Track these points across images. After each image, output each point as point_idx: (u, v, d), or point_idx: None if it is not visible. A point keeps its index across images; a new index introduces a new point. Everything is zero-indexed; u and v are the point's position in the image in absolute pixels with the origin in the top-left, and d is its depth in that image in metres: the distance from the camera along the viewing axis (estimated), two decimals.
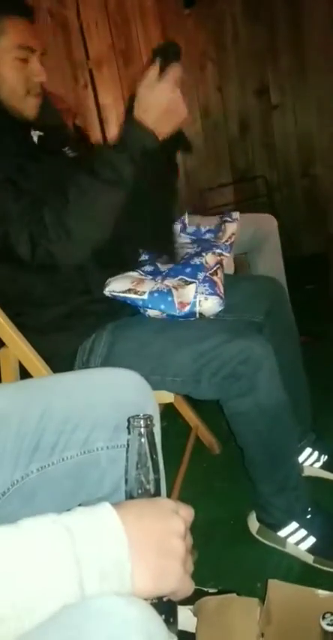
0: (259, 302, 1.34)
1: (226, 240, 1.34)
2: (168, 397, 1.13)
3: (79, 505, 0.78)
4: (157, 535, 0.48)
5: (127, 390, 0.82)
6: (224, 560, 1.24)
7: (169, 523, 0.49)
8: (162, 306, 1.12)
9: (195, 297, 1.12)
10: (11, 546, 0.42)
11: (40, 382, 0.88)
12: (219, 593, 0.98)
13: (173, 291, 1.12)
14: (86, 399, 0.79)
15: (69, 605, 0.42)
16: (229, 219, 1.44)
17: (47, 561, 0.42)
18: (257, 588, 1.13)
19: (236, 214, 1.46)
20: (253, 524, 1.28)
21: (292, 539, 1.20)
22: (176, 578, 0.48)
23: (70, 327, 1.17)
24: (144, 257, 1.34)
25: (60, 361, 1.14)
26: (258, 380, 1.07)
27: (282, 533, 1.21)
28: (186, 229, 1.46)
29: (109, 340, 1.14)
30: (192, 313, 1.12)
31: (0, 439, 0.72)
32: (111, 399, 0.80)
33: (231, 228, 1.39)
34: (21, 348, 1.07)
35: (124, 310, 1.17)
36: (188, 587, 0.50)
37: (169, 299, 1.11)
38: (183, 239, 1.42)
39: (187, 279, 1.15)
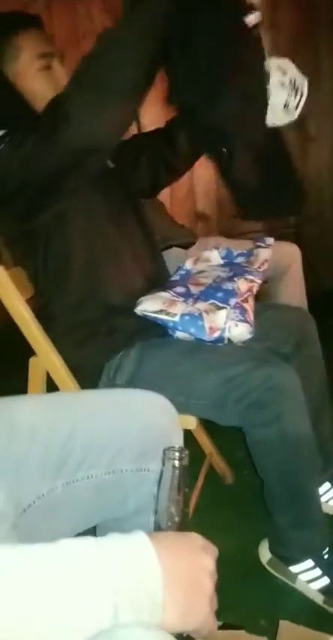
0: (288, 333, 1.34)
1: (259, 267, 1.34)
2: (191, 423, 1.13)
3: (94, 527, 0.80)
4: (189, 571, 0.48)
5: (154, 414, 0.83)
6: (229, 593, 1.20)
7: (201, 560, 0.50)
8: (192, 330, 1.12)
9: (225, 324, 1.11)
10: (52, 566, 0.43)
11: (69, 398, 0.89)
12: (224, 626, 0.97)
13: (204, 315, 1.12)
14: (114, 421, 0.80)
15: (100, 633, 0.42)
16: (262, 244, 1.42)
17: (86, 587, 0.42)
18: (261, 625, 1.12)
19: (270, 240, 1.44)
20: (265, 554, 1.26)
21: (304, 577, 1.18)
22: (203, 616, 0.48)
23: (98, 340, 1.18)
24: (175, 277, 1.35)
25: (86, 375, 1.16)
26: (283, 409, 1.06)
27: (294, 568, 1.19)
28: (218, 251, 1.45)
29: (137, 358, 1.15)
30: (221, 339, 1.12)
31: (28, 451, 0.74)
32: (138, 422, 0.81)
33: (264, 254, 1.38)
34: (51, 359, 1.08)
35: (153, 330, 1.18)
36: (212, 626, 0.51)
37: (200, 323, 1.11)
38: (215, 261, 1.42)
39: (218, 303, 1.15)
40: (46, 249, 1.16)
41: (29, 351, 1.14)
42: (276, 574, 1.23)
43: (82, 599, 0.42)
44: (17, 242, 1.20)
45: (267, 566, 1.25)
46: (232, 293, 1.16)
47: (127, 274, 1.22)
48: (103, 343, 1.17)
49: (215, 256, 1.38)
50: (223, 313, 1.11)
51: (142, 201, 1.41)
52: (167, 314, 1.12)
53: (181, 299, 1.17)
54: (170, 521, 0.57)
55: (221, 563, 1.29)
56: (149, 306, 1.15)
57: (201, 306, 1.14)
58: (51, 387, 1.17)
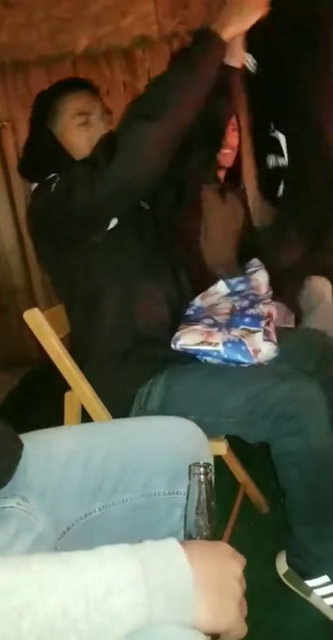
0: (310, 352, 1.36)
1: (267, 291, 1.39)
2: (221, 449, 1.15)
3: None
4: (218, 575, 0.52)
5: (184, 439, 0.87)
6: (265, 623, 1.20)
7: (229, 565, 0.53)
8: (238, 356, 1.15)
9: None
10: (86, 568, 0.47)
11: (103, 427, 0.95)
12: None
13: (244, 340, 1.16)
14: (145, 445, 0.85)
15: (135, 631, 0.46)
16: (254, 268, 1.48)
17: (121, 587, 0.46)
18: None
19: (256, 260, 1.51)
20: (282, 566, 1.28)
21: (319, 592, 1.19)
22: (233, 617, 0.51)
23: (129, 369, 1.22)
24: (188, 312, 1.36)
25: (118, 404, 1.20)
26: (307, 420, 1.08)
27: (310, 582, 1.20)
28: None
29: (166, 385, 1.19)
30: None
31: (66, 476, 0.79)
32: (169, 446, 0.85)
33: (263, 276, 1.44)
34: (85, 393, 1.14)
35: (180, 357, 1.22)
36: (242, 629, 0.53)
37: (243, 348, 1.14)
38: (223, 291, 1.46)
39: (249, 328, 1.19)
40: (81, 281, 1.24)
41: (65, 387, 1.20)
42: (291, 587, 1.24)
43: (117, 599, 0.45)
44: (54, 271, 1.31)
45: (283, 578, 1.26)
46: (259, 316, 1.21)
47: (156, 306, 1.28)
48: (134, 372, 1.21)
49: (222, 286, 1.42)
50: (259, 335, 1.15)
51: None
52: (209, 344, 1.16)
53: (215, 329, 1.21)
54: (199, 535, 0.60)
55: (258, 593, 1.29)
56: (189, 340, 1.18)
57: (235, 332, 1.18)
58: (85, 420, 1.22)
